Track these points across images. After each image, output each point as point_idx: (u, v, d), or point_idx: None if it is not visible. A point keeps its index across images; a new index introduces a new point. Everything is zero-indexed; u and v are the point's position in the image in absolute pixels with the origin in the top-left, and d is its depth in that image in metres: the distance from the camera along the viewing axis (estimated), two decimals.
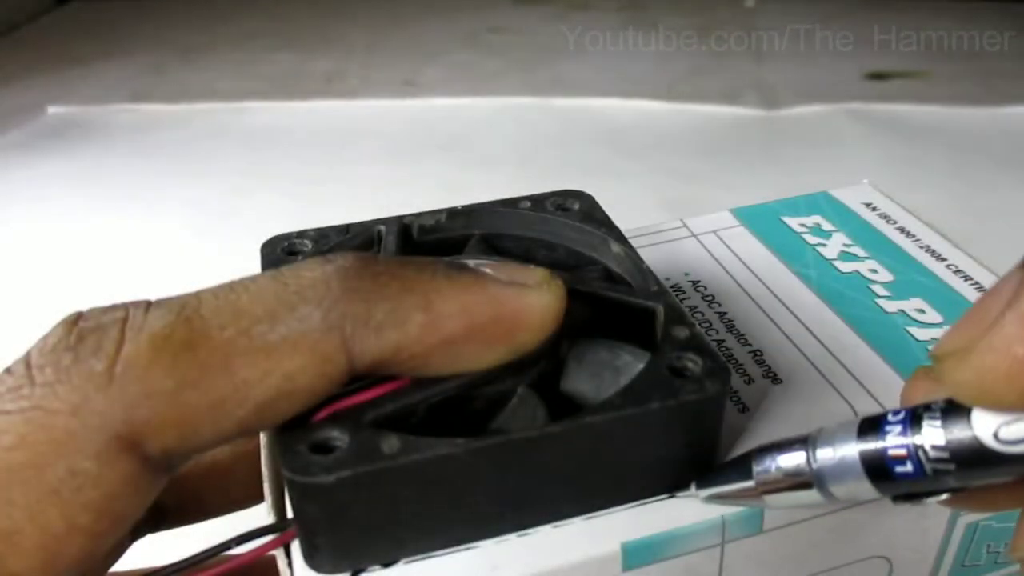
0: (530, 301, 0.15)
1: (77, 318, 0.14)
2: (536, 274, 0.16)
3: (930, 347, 0.20)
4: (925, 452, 0.13)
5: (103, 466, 0.13)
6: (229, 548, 0.15)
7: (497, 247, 0.21)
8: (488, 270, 0.15)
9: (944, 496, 0.14)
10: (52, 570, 0.13)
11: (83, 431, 0.13)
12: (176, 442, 0.13)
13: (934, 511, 0.18)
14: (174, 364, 0.13)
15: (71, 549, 0.13)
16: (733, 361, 0.20)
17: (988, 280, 0.22)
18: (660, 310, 0.17)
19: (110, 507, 0.13)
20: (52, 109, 0.84)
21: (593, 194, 0.21)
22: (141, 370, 0.13)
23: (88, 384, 0.13)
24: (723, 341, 0.20)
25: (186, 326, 0.13)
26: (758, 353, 0.20)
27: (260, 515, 0.18)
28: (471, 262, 0.16)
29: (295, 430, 0.14)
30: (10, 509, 0.12)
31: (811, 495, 0.15)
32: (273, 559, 0.16)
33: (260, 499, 0.19)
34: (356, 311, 0.14)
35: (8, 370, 0.13)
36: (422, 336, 0.14)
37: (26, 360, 0.13)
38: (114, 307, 0.14)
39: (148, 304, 0.14)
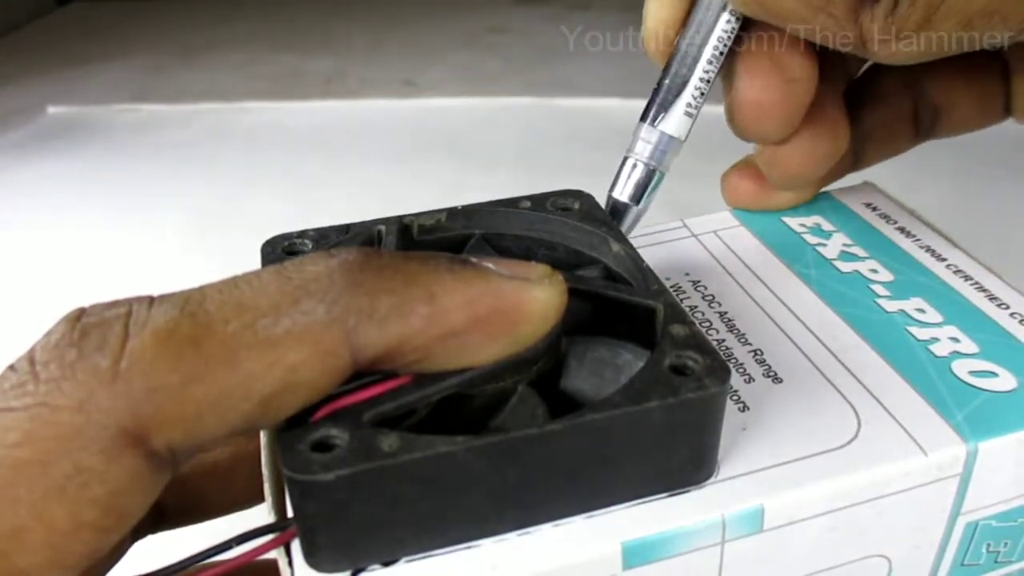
0: (532, 294, 0.15)
1: (80, 314, 0.14)
2: (538, 269, 0.16)
3: (931, 347, 0.20)
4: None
5: (109, 462, 0.13)
6: (229, 548, 0.15)
7: (497, 247, 0.21)
8: (490, 265, 0.15)
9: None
10: (59, 566, 0.13)
11: (89, 427, 0.13)
12: (181, 437, 0.13)
13: (935, 509, 0.18)
14: (179, 359, 0.13)
15: (77, 545, 0.13)
16: (733, 360, 0.20)
17: (988, 280, 0.22)
18: (660, 308, 0.17)
19: (116, 503, 0.13)
20: (52, 109, 0.84)
21: (593, 194, 0.21)
22: (146, 365, 0.13)
23: (93, 380, 0.13)
24: (723, 340, 0.20)
25: (190, 321, 0.13)
26: (758, 352, 0.20)
27: (260, 515, 0.18)
28: (472, 258, 0.16)
29: (295, 429, 0.14)
30: (16, 506, 0.12)
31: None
32: (273, 559, 0.16)
33: (260, 499, 0.19)
34: (360, 304, 0.14)
35: (12, 367, 0.13)
36: (425, 328, 0.14)
37: (30, 357, 0.13)
38: (117, 302, 0.14)
39: (151, 299, 0.14)
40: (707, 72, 0.21)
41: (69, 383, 0.13)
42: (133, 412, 0.13)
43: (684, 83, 0.21)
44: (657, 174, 0.21)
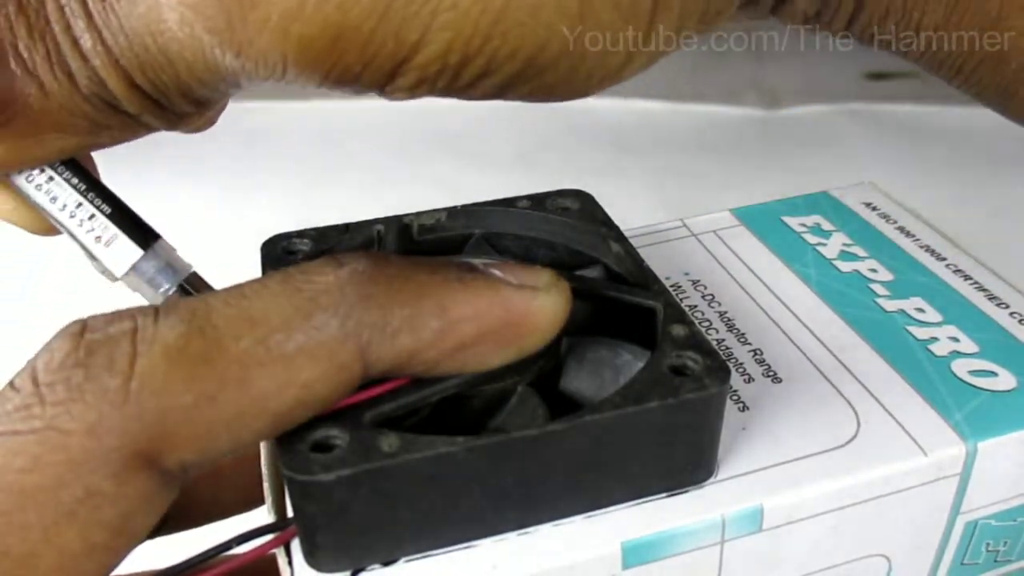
0: (540, 304, 0.15)
1: (82, 328, 0.13)
2: (544, 276, 0.15)
3: (930, 347, 0.20)
4: None
5: (120, 484, 0.12)
6: (229, 548, 0.15)
7: (497, 246, 0.21)
8: (497, 272, 0.15)
9: None
10: None
11: (100, 451, 0.12)
12: (194, 456, 0.13)
13: (934, 510, 0.18)
14: (191, 378, 0.13)
15: (89, 567, 0.13)
16: (733, 360, 0.20)
17: (988, 280, 0.22)
18: (660, 309, 0.17)
19: (127, 524, 0.13)
20: None
21: (593, 194, 0.21)
22: (158, 386, 0.13)
23: (103, 402, 0.12)
24: (723, 340, 0.20)
25: (200, 337, 0.13)
26: (758, 352, 0.20)
27: (261, 515, 0.18)
28: (479, 263, 0.16)
29: (295, 429, 0.14)
30: (26, 532, 0.12)
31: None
32: (273, 559, 0.16)
33: (262, 502, 0.19)
34: (373, 318, 0.14)
35: (13, 386, 0.13)
36: (436, 342, 0.14)
37: (32, 376, 0.13)
38: (120, 315, 0.13)
39: (156, 311, 0.13)
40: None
41: (78, 405, 0.12)
42: (145, 434, 0.12)
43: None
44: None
